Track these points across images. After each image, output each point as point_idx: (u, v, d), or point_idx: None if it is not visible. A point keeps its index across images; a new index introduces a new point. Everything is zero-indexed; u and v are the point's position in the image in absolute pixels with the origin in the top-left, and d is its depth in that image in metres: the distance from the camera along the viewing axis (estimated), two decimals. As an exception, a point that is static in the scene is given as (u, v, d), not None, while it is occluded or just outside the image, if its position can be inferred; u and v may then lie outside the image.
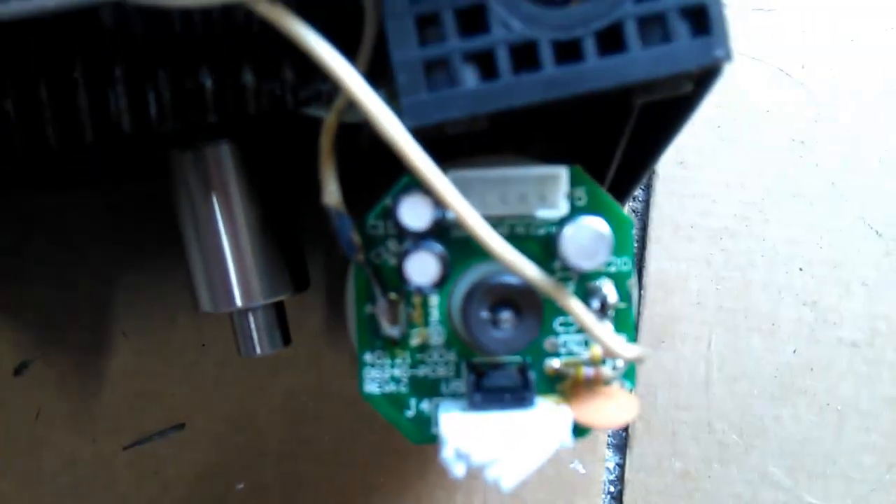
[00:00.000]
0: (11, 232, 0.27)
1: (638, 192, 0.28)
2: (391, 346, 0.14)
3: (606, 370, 0.14)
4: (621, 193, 0.18)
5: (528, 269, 0.12)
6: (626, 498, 0.27)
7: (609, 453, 0.27)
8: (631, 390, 0.15)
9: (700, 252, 0.28)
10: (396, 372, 0.14)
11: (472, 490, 0.27)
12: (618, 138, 0.15)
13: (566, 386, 0.14)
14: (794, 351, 0.27)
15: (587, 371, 0.14)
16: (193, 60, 0.13)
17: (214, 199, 0.19)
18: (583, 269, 0.12)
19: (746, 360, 0.27)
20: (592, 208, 0.14)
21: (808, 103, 0.28)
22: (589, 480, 0.27)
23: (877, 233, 0.28)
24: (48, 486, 0.26)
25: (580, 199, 0.14)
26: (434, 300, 0.14)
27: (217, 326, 0.26)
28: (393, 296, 0.14)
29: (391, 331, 0.14)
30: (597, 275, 0.14)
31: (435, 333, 0.14)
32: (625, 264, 0.14)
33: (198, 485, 0.26)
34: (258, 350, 0.20)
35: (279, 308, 0.20)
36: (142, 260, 0.27)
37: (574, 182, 0.14)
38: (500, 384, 0.13)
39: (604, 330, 0.13)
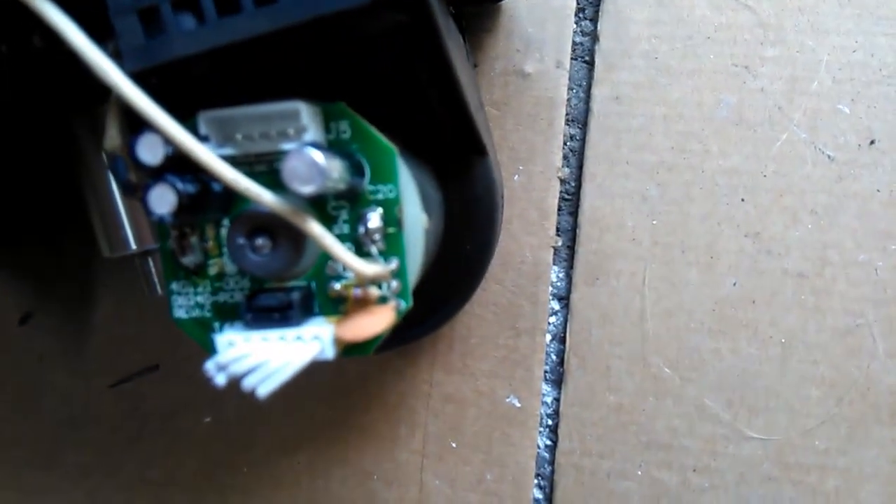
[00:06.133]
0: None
1: (574, 132, 0.28)
2: (193, 276, 0.16)
3: (374, 290, 0.15)
4: (466, 130, 0.19)
5: (265, 196, 0.14)
6: (562, 430, 0.27)
7: (547, 388, 0.28)
8: (405, 307, 0.15)
9: (635, 188, 0.27)
10: (200, 299, 0.16)
11: (413, 424, 0.28)
12: (415, 77, 0.16)
13: (347, 306, 0.15)
14: (735, 283, 0.27)
15: (356, 291, 0.15)
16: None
17: (104, 155, 0.21)
18: (301, 193, 0.13)
19: (683, 294, 0.27)
20: (356, 140, 0.15)
21: (754, 26, 0.27)
22: (525, 414, 0.27)
23: (828, 157, 0.26)
24: (49, 420, 0.30)
25: (345, 132, 0.15)
26: (225, 233, 0.16)
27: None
28: (186, 229, 0.16)
29: (187, 261, 0.16)
30: (366, 203, 0.15)
31: (229, 263, 0.16)
32: (390, 191, 0.15)
33: (171, 418, 0.29)
34: (159, 290, 0.22)
35: (176, 252, 0.22)
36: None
37: (338, 117, 0.15)
38: (267, 304, 0.15)
39: (341, 248, 0.14)
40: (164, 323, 0.29)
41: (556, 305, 0.28)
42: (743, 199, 0.27)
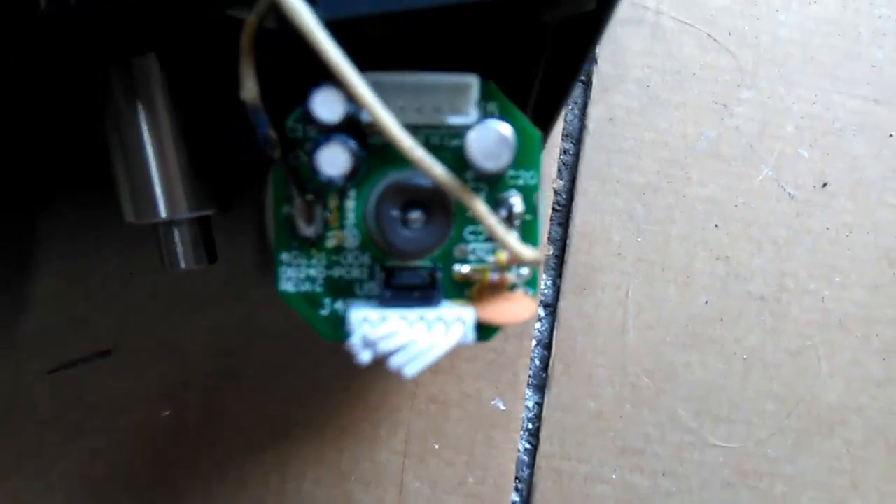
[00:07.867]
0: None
1: (569, 147, 0.29)
2: (307, 247, 0.15)
3: (510, 276, 0.15)
4: (545, 120, 0.19)
5: (436, 168, 0.13)
6: (543, 434, 0.28)
7: (529, 392, 0.28)
8: (533, 296, 0.15)
9: (623, 206, 0.29)
10: (312, 272, 0.15)
11: (395, 423, 0.27)
12: (536, 63, 0.16)
13: (473, 291, 0.15)
14: (707, 302, 0.29)
15: (493, 276, 0.15)
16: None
17: (140, 109, 0.19)
18: (488, 170, 0.13)
19: (661, 310, 0.28)
20: (503, 121, 0.15)
21: (733, 69, 0.30)
22: (508, 417, 0.28)
23: (789, 195, 0.29)
24: (-33, 408, 0.26)
25: (493, 112, 0.15)
26: (350, 204, 0.15)
27: (146, 258, 0.26)
28: (309, 196, 0.14)
29: (307, 231, 0.15)
30: (505, 187, 0.15)
31: (350, 236, 0.15)
32: (532, 178, 0.15)
33: (120, 412, 0.27)
34: (182, 264, 0.20)
35: (204, 225, 0.20)
36: (70, 192, 0.27)
37: (487, 97, 0.15)
38: (409, 282, 0.14)
39: (504, 229, 0.14)
40: (119, 305, 0.27)
41: (541, 312, 0.28)
42: (717, 226, 0.29)
